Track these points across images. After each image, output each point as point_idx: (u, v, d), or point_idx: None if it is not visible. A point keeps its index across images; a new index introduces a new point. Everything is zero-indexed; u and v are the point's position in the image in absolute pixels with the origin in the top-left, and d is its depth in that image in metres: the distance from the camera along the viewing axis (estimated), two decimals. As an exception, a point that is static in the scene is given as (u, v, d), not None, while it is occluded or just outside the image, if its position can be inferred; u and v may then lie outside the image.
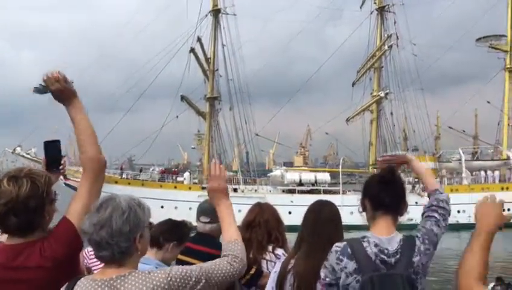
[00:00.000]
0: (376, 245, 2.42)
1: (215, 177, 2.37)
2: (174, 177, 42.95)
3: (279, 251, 3.55)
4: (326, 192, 39.63)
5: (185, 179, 42.30)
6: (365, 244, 2.43)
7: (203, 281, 1.96)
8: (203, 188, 41.16)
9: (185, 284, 1.91)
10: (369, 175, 2.82)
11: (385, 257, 2.39)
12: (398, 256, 2.40)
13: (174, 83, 44.89)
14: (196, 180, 43.15)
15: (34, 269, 2.03)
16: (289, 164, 54.63)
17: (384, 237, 2.46)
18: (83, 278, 1.94)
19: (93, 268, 3.27)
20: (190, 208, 30.99)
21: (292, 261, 3.00)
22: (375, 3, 46.88)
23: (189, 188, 40.42)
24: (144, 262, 2.16)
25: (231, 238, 2.22)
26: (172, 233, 3.31)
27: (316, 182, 41.81)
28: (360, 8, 47.64)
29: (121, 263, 1.91)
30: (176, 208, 35.21)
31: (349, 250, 2.41)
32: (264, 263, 3.52)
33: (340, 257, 2.42)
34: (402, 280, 2.37)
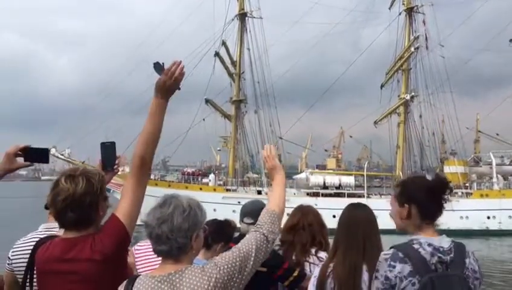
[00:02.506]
0: (430, 244, 2.38)
1: (269, 157, 2.68)
2: (199, 179, 43.37)
3: (322, 254, 3.54)
4: (350, 195, 39.23)
5: (210, 180, 42.64)
6: (416, 246, 2.38)
7: (247, 259, 2.10)
8: (228, 190, 41.45)
9: (233, 270, 2.03)
10: (413, 178, 2.72)
11: (442, 255, 2.35)
12: (452, 255, 2.38)
13: (202, 85, 45.36)
14: (221, 182, 43.41)
15: (85, 261, 2.17)
16: (322, 167, 54.35)
17: (434, 238, 2.43)
18: (142, 276, 2.07)
19: (138, 267, 3.34)
20: (215, 210, 31.21)
21: (331, 265, 2.98)
22: (403, 4, 46.24)
23: (214, 190, 40.71)
24: (194, 262, 2.25)
25: (269, 208, 2.41)
26: (221, 234, 3.39)
27: (340, 185, 41.46)
28: (389, 9, 47.12)
29: (178, 258, 2.03)
30: (200, 209, 35.48)
31: (400, 254, 2.35)
32: (307, 266, 3.52)
33: (392, 263, 2.34)
34: (459, 280, 2.35)
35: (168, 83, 2.31)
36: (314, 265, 3.42)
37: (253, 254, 2.13)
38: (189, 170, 47.16)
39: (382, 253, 2.44)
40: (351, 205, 3.18)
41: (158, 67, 2.32)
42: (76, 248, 2.19)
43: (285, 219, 3.85)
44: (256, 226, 2.29)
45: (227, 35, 45.26)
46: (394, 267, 2.33)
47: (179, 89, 2.37)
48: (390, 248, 2.45)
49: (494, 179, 40.80)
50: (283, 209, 2.45)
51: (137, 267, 3.33)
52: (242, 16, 45.96)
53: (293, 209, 3.87)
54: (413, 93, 44.99)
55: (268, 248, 2.23)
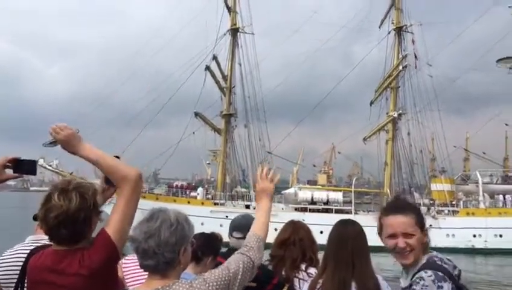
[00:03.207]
0: (446, 259, 2.45)
1: (263, 178, 2.64)
2: (187, 192, 43.12)
3: (312, 270, 3.52)
4: (338, 211, 39.24)
5: (198, 194, 42.41)
6: (439, 262, 2.43)
7: (234, 279, 2.10)
8: (216, 204, 41.23)
9: (222, 287, 2.04)
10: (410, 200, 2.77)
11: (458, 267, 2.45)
12: None
13: (194, 98, 45.45)
14: (209, 196, 43.20)
15: (73, 275, 2.15)
16: (313, 182, 54.47)
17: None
18: None
19: (126, 279, 3.31)
20: (202, 223, 30.99)
21: (320, 281, 2.99)
22: (392, 23, 46.98)
23: (202, 204, 40.46)
24: (183, 277, 2.25)
25: (254, 232, 2.41)
26: (210, 247, 3.36)
27: (328, 201, 41.49)
28: (379, 27, 47.75)
29: (165, 273, 2.00)
30: (188, 223, 35.19)
31: (440, 273, 2.35)
32: (296, 282, 3.50)
33: (439, 283, 2.31)
34: None
35: (60, 142, 2.39)
36: (304, 281, 3.40)
37: (239, 276, 2.13)
38: (178, 183, 46.85)
39: (424, 275, 2.36)
40: (341, 222, 3.19)
41: (48, 144, 2.45)
42: (66, 260, 2.18)
43: (273, 233, 3.85)
44: (244, 249, 2.29)
45: (219, 50, 45.57)
46: (442, 287, 2.31)
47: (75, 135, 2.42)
48: (422, 269, 2.40)
49: (480, 198, 41.14)
50: (267, 234, 2.47)
51: (125, 281, 3.30)
52: (234, 31, 46.29)
53: (283, 224, 3.86)
54: (400, 111, 45.46)
55: (253, 274, 2.24)
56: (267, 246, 2.51)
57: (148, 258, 1.98)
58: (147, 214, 2.06)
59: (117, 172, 2.34)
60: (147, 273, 2.07)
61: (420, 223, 2.53)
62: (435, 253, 2.49)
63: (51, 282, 2.17)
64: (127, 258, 3.47)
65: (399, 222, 2.50)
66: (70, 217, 2.16)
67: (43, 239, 2.63)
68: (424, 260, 2.46)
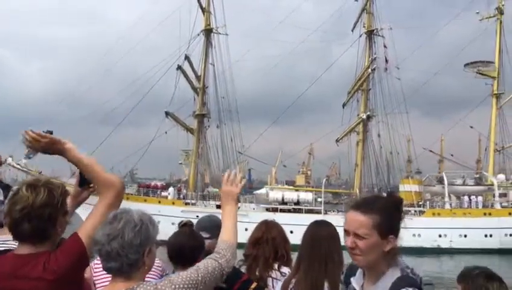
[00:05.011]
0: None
1: (229, 181, 2.58)
2: (158, 192, 42.71)
3: (285, 269, 3.55)
4: (308, 211, 39.65)
5: (169, 194, 42.06)
6: (411, 275, 2.18)
7: (203, 283, 2.07)
8: (187, 204, 40.97)
9: (189, 288, 2.01)
10: (386, 198, 2.35)
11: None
12: None
13: (168, 98, 45.07)
14: (181, 196, 42.90)
15: (35, 280, 2.05)
16: (291, 183, 54.78)
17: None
18: None
19: (96, 283, 3.25)
20: (173, 223, 30.59)
21: (293, 280, 3.03)
22: (364, 26, 47.77)
23: (173, 203, 40.16)
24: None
25: (224, 239, 2.37)
26: (202, 248, 3.32)
27: (298, 201, 41.85)
28: (352, 31, 48.55)
29: (129, 275, 1.96)
30: (159, 222, 34.73)
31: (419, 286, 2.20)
32: (269, 281, 3.52)
33: None
34: None
35: (42, 149, 2.34)
36: (277, 280, 3.44)
37: (207, 281, 2.10)
38: (156, 183, 46.37)
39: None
40: (315, 222, 3.24)
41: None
42: (28, 265, 2.08)
43: (244, 233, 3.86)
44: (216, 255, 2.26)
45: (192, 50, 45.38)
46: None
47: (51, 132, 2.38)
48: (401, 285, 2.09)
49: (446, 199, 42.28)
50: (237, 239, 2.45)
51: (96, 283, 3.26)
52: (208, 32, 46.16)
53: (254, 224, 3.88)
54: (368, 113, 46.27)
55: (220, 281, 2.23)
56: (239, 246, 2.52)
57: (111, 261, 1.94)
58: (110, 215, 2.02)
59: (99, 179, 2.31)
60: None
61: (379, 228, 2.14)
62: (403, 263, 2.21)
63: (10, 288, 2.07)
64: (99, 258, 3.42)
65: (353, 219, 2.20)
66: (36, 211, 2.10)
67: (9, 240, 2.56)
68: (397, 272, 2.17)
